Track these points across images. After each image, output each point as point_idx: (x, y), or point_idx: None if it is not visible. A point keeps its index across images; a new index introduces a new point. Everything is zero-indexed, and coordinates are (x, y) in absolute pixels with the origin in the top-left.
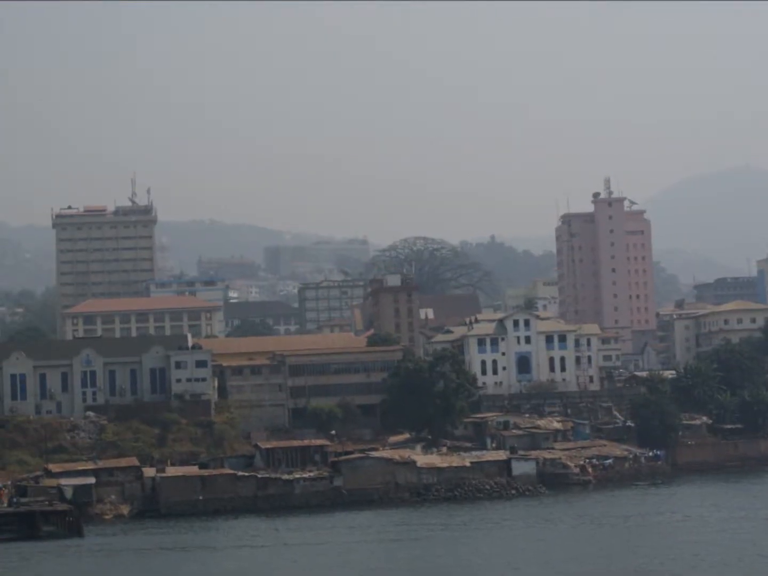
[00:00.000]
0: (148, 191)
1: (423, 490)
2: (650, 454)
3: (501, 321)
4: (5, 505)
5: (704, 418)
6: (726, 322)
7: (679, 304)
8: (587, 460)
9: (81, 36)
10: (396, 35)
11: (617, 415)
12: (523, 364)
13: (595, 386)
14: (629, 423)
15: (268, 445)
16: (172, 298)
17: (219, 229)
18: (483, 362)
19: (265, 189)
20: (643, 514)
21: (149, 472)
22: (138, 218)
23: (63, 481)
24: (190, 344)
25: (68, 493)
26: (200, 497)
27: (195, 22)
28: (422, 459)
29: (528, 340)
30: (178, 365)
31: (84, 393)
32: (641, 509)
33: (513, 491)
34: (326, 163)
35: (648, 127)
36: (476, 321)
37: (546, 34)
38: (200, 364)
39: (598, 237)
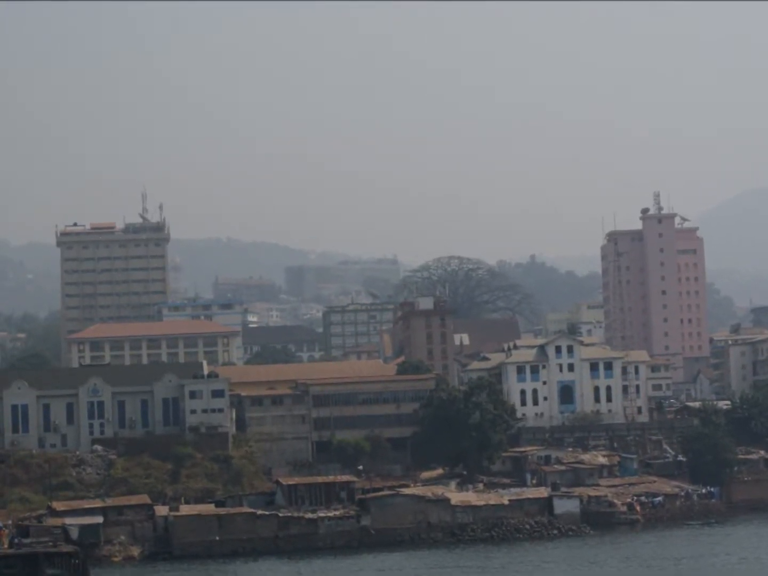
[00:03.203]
0: (160, 207)
1: (458, 530)
2: (703, 491)
3: (542, 347)
4: (6, 546)
5: (762, 453)
6: None
7: (735, 329)
8: (635, 498)
9: (84, 37)
10: (438, 47)
11: (667, 449)
12: (566, 393)
13: (643, 418)
14: (680, 458)
15: (290, 482)
16: (186, 322)
17: (237, 248)
18: (522, 392)
19: (286, 205)
20: (695, 556)
21: (161, 510)
22: (149, 236)
23: (68, 521)
24: (205, 372)
25: (74, 534)
26: (217, 538)
27: (207, 23)
28: (457, 496)
29: (571, 367)
30: (192, 395)
31: (91, 425)
32: (693, 551)
33: (555, 531)
34: (353, 177)
35: (700, 138)
36: (515, 347)
37: (589, 36)
38: (217, 393)
39: (647, 256)
